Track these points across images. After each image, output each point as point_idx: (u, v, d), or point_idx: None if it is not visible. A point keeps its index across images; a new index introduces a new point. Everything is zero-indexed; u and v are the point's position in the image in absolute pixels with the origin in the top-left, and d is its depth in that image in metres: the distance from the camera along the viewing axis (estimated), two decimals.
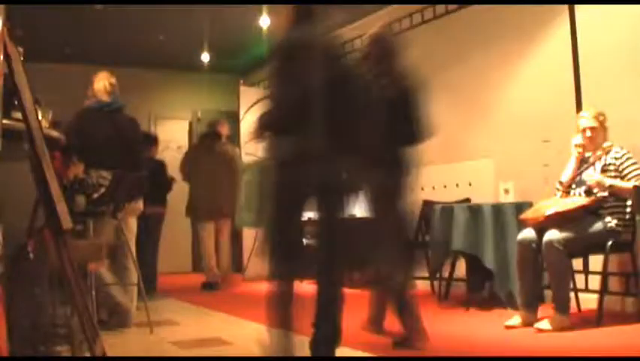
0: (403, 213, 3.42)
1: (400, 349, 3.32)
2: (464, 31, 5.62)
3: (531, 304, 3.86)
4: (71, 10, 6.05)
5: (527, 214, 4.04)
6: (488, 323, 4.11)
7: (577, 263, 4.29)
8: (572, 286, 4.36)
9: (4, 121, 2.01)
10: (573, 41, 4.61)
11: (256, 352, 3.07)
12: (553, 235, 3.73)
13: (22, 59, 2.18)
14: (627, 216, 3.85)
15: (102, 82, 4.30)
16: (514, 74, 5.13)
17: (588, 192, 3.92)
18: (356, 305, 5.21)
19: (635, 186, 3.73)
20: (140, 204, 4.50)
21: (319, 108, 2.67)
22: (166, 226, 8.63)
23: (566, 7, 4.66)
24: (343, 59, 3.35)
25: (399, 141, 3.40)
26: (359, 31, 6.95)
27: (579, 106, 4.56)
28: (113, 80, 4.35)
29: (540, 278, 3.97)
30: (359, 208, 6.87)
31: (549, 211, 3.83)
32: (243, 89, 7.78)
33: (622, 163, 3.88)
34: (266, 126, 2.93)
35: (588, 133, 3.99)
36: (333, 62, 2.89)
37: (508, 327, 3.78)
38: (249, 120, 7.67)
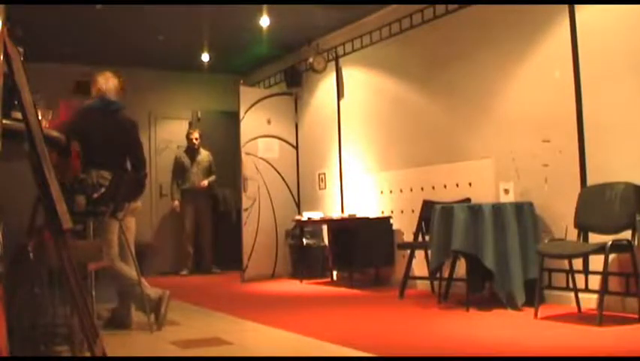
0: None
1: None
2: (464, 31, 5.62)
3: None
4: (71, 10, 6.05)
5: None
6: (488, 323, 4.12)
7: (577, 263, 4.29)
8: (572, 286, 4.37)
9: (4, 121, 2.01)
10: (573, 41, 4.61)
11: (256, 352, 3.08)
12: None
13: (22, 59, 2.18)
14: None
15: (111, 81, 4.31)
16: (514, 74, 5.13)
17: None
18: (356, 305, 5.23)
19: None
20: (139, 203, 4.50)
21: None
22: (168, 227, 8.74)
23: (566, 7, 4.66)
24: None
25: None
26: (359, 31, 6.96)
27: (579, 106, 4.56)
28: (118, 80, 4.38)
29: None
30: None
31: None
32: (242, 89, 7.78)
33: None
34: None
35: None
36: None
37: None
38: (248, 120, 7.70)
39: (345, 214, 6.88)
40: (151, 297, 4.10)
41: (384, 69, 6.64)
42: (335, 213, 7.12)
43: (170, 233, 8.73)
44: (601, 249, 3.82)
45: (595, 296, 4.14)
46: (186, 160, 8.35)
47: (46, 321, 3.02)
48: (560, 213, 4.63)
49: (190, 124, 8.97)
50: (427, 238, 5.41)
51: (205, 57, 7.90)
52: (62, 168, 3.55)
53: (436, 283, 5.30)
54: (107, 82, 4.31)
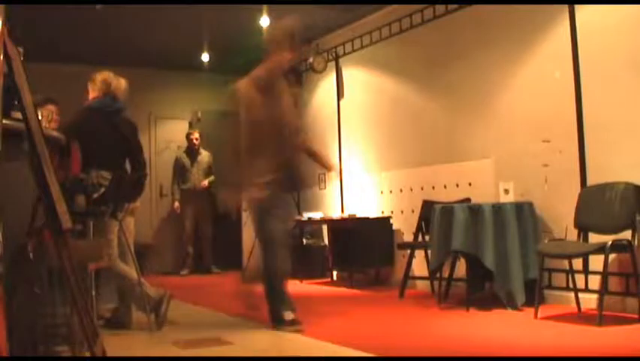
0: None
1: None
2: (464, 31, 5.61)
3: None
4: (71, 10, 6.05)
5: None
6: (488, 322, 4.11)
7: (577, 263, 4.29)
8: (572, 286, 4.37)
9: (4, 121, 2.01)
10: (573, 41, 4.61)
11: (256, 352, 3.08)
12: None
13: (22, 59, 2.18)
14: None
15: (116, 82, 4.31)
16: (514, 73, 5.13)
17: None
18: (356, 305, 5.23)
19: None
20: (137, 204, 4.50)
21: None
22: (168, 227, 8.75)
23: (565, 7, 4.66)
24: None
25: None
26: (359, 31, 6.96)
27: (579, 106, 4.56)
28: (124, 80, 4.39)
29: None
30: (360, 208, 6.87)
31: None
32: None
33: None
34: None
35: None
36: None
37: None
38: None
39: (345, 214, 6.88)
40: (151, 297, 4.10)
41: (384, 69, 6.64)
42: (335, 213, 7.12)
43: (170, 233, 8.73)
44: (601, 249, 3.82)
45: (595, 296, 4.14)
46: (186, 161, 8.35)
47: (46, 321, 3.01)
48: (559, 213, 4.63)
49: (190, 124, 8.98)
50: (427, 238, 5.41)
51: (205, 57, 7.90)
52: (62, 168, 3.55)
53: (436, 283, 5.29)
54: (114, 82, 4.30)
